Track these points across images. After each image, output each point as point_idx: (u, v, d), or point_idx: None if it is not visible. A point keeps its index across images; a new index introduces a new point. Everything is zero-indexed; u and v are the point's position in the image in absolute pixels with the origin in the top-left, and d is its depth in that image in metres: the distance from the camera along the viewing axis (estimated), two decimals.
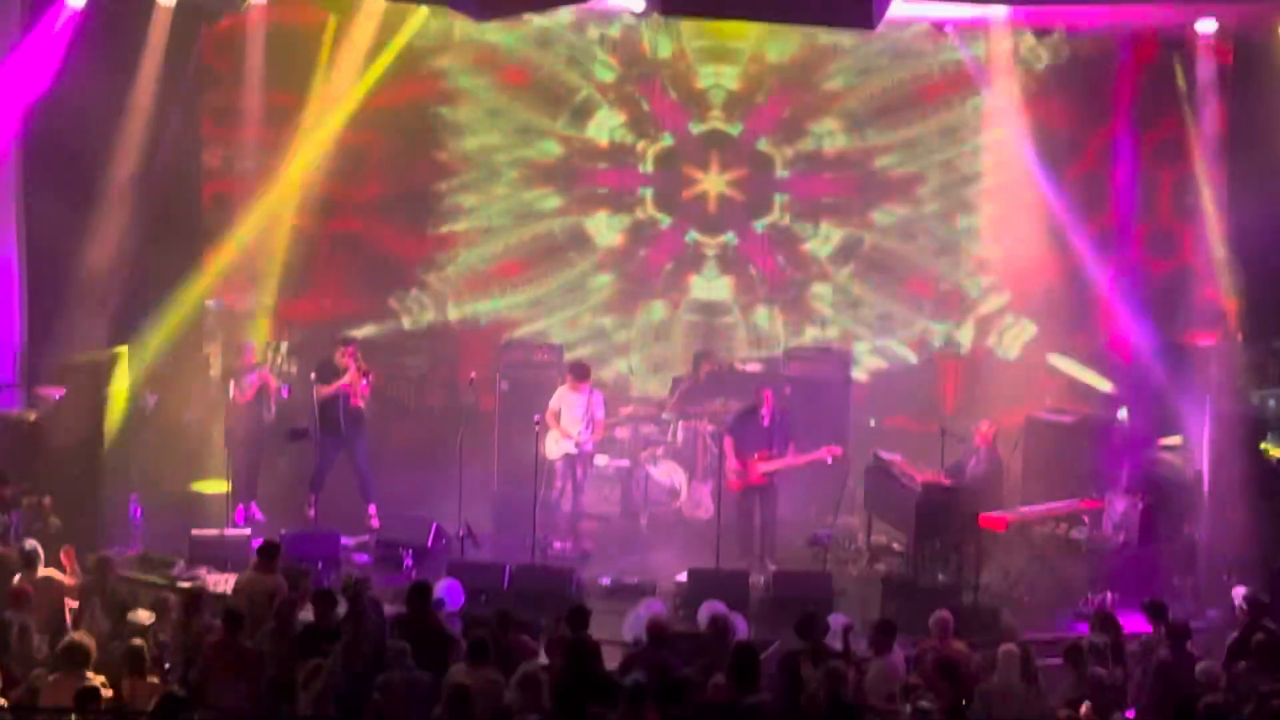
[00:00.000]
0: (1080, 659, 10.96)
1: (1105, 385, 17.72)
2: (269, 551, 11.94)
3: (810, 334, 18.62)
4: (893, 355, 18.69)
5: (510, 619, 11.06)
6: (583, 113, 18.57)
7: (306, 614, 11.21)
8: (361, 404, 15.26)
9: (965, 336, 18.65)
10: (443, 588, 13.12)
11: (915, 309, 18.65)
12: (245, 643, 10.63)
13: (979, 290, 18.56)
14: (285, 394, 15.69)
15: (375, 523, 15.19)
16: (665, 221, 18.70)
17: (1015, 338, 18.54)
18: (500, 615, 11.11)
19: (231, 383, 15.42)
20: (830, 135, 18.45)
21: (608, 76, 18.52)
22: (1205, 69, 16.46)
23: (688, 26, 18.12)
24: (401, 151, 18.65)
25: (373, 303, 18.87)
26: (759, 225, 18.63)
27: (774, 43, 18.13)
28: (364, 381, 15.21)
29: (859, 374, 18.02)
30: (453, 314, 18.99)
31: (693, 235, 18.71)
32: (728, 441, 14.89)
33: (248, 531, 14.61)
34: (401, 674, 10.04)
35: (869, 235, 18.60)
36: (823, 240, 18.60)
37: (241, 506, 15.26)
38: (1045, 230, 17.58)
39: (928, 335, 18.67)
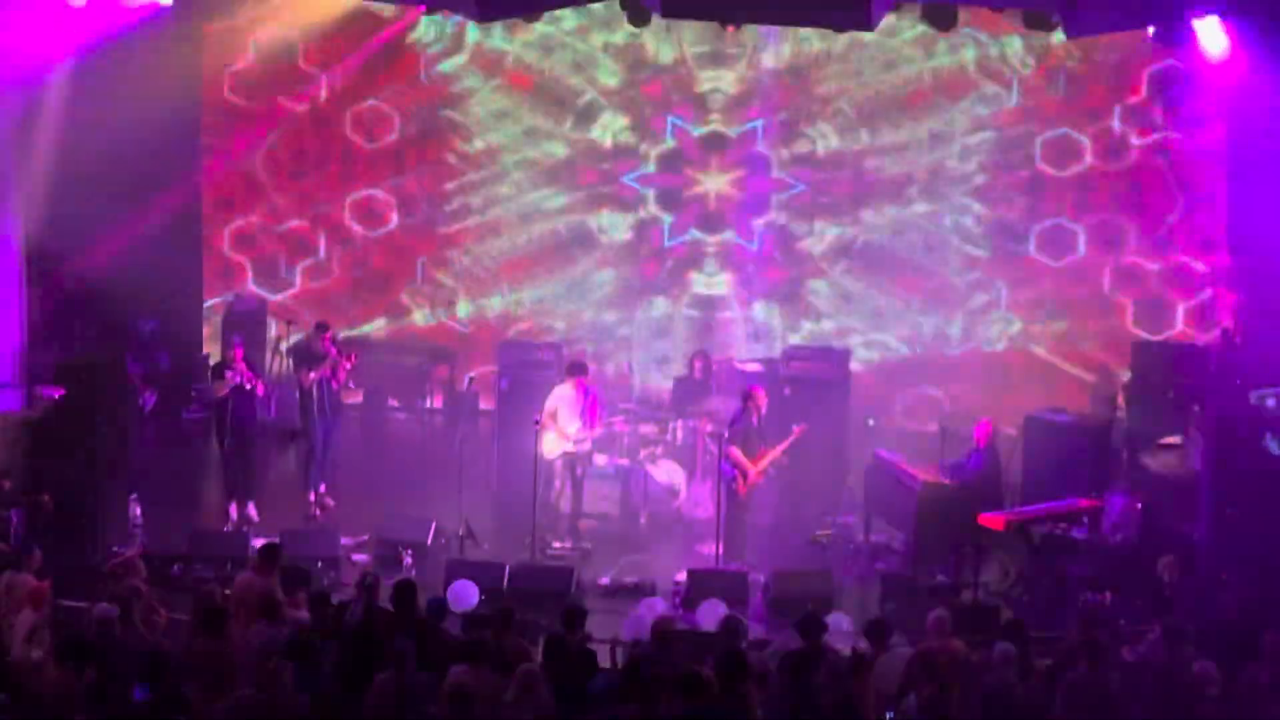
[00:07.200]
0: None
1: (1089, 375, 18.12)
2: (270, 554, 11.63)
3: (807, 328, 18.82)
4: (886, 347, 18.88)
5: (512, 618, 10.94)
6: (587, 116, 18.72)
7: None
8: (338, 386, 15.43)
9: (954, 330, 18.84)
10: (456, 588, 13.11)
11: (905, 304, 18.83)
12: (225, 643, 10.36)
13: (966, 286, 18.78)
14: (260, 391, 15.55)
15: (329, 501, 15.48)
16: (667, 220, 18.89)
17: (1001, 331, 18.77)
18: (503, 614, 10.97)
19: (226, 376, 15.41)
20: (824, 137, 18.68)
21: (612, 81, 18.65)
22: (1206, 69, 16.41)
23: (688, 34, 18.41)
24: (408, 152, 18.79)
25: (375, 302, 18.94)
26: (757, 223, 18.80)
27: (769, 50, 18.43)
28: (345, 364, 15.30)
29: (854, 365, 18.04)
30: (455, 313, 19.03)
31: (693, 233, 18.91)
32: (733, 452, 14.57)
33: (246, 530, 14.61)
34: (398, 675, 9.94)
35: (861, 233, 18.76)
36: (817, 238, 18.81)
37: (235, 505, 15.21)
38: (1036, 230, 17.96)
39: (918, 329, 18.85)
